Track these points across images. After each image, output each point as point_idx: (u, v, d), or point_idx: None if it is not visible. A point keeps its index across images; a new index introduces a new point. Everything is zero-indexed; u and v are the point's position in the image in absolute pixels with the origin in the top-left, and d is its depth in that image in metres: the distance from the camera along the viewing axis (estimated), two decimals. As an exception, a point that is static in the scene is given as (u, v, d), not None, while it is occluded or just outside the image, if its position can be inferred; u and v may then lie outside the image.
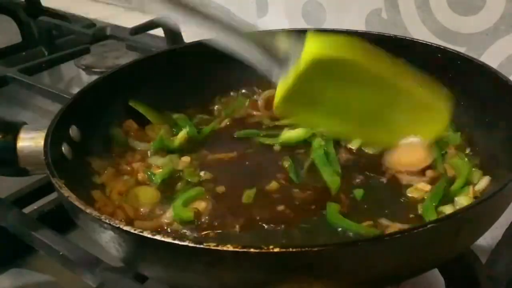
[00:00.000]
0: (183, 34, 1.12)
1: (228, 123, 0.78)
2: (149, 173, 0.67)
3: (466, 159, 0.64)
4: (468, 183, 0.61)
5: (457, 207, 0.58)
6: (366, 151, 0.68)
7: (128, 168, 0.68)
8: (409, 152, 0.63)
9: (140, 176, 0.67)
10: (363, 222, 0.56)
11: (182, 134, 0.74)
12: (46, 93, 0.95)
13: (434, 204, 0.58)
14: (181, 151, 0.71)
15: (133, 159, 0.70)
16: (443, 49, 0.73)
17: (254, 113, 0.80)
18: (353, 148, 0.69)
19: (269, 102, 0.81)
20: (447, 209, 0.58)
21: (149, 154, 0.71)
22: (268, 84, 0.84)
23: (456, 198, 0.59)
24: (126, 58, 1.09)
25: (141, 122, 0.76)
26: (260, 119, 0.78)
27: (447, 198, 0.59)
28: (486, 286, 0.51)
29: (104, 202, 0.61)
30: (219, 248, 0.41)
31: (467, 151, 0.67)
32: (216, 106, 0.82)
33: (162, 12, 0.56)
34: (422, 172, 0.63)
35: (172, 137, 0.74)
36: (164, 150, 0.71)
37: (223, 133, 0.76)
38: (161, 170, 0.67)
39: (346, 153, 0.68)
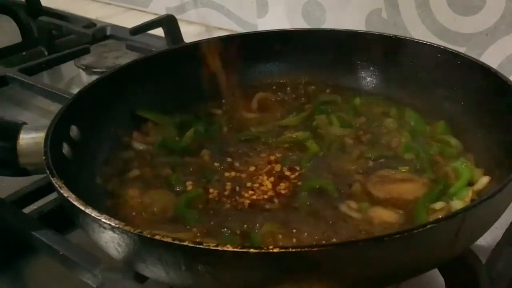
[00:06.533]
0: (183, 34, 1.12)
1: (226, 125, 0.78)
2: (167, 178, 0.66)
3: (467, 163, 0.64)
4: (468, 184, 0.61)
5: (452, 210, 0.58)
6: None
7: (136, 174, 0.68)
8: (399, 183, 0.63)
9: (149, 181, 0.66)
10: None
11: (190, 134, 0.74)
12: (46, 93, 0.95)
13: (426, 204, 0.58)
14: (184, 151, 0.71)
15: (139, 164, 0.69)
16: (443, 49, 0.73)
17: (249, 114, 0.80)
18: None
19: (261, 104, 0.81)
20: (439, 206, 0.58)
21: (151, 155, 0.71)
22: (262, 85, 0.85)
23: (451, 202, 0.59)
24: (126, 58, 1.09)
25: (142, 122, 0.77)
26: (255, 120, 0.78)
27: (442, 199, 0.60)
28: (486, 286, 0.51)
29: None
30: (219, 248, 0.41)
31: (467, 151, 0.67)
32: (216, 107, 0.82)
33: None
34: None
35: (174, 138, 0.75)
36: (168, 150, 0.72)
37: (222, 135, 0.76)
38: (172, 172, 0.67)
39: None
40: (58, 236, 0.61)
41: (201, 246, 0.41)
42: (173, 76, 0.81)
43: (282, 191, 0.62)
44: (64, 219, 0.55)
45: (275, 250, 0.40)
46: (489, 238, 0.62)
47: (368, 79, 0.83)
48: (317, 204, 0.60)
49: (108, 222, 0.45)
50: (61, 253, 0.59)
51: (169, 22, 1.11)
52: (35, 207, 0.70)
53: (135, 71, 0.78)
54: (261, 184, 0.64)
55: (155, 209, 0.61)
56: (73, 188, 0.50)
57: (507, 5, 0.88)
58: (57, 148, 0.60)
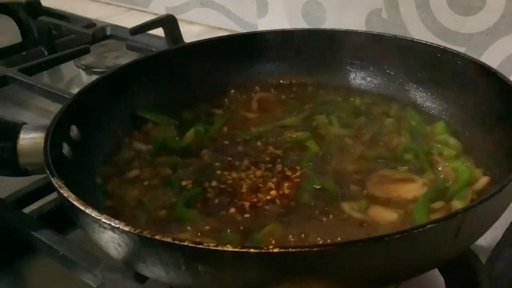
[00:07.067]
0: (183, 34, 1.12)
1: (226, 125, 0.78)
2: (167, 178, 0.66)
3: (466, 163, 0.64)
4: (468, 184, 0.61)
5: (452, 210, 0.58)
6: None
7: (136, 174, 0.68)
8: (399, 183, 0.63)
9: (149, 181, 0.66)
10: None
11: (190, 134, 0.74)
12: (46, 93, 0.95)
13: (426, 204, 0.58)
14: (184, 151, 0.71)
15: (139, 164, 0.69)
16: (443, 49, 0.73)
17: (249, 114, 0.80)
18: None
19: (261, 103, 0.81)
20: (438, 205, 0.58)
21: (151, 155, 0.71)
22: (262, 85, 0.85)
23: (451, 202, 0.59)
24: (126, 58, 1.09)
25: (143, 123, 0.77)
26: (255, 120, 0.78)
27: (442, 199, 0.60)
28: (486, 286, 0.51)
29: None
30: (219, 248, 0.41)
31: (466, 151, 0.67)
32: (216, 107, 0.82)
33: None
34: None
35: (174, 138, 0.75)
36: (168, 150, 0.72)
37: (222, 135, 0.76)
38: (172, 172, 0.67)
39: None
40: (58, 236, 0.61)
41: (201, 246, 0.41)
42: (173, 76, 0.81)
43: (283, 191, 0.62)
44: (64, 219, 0.55)
45: (275, 250, 0.40)
46: (489, 238, 0.62)
47: (368, 79, 0.83)
48: (317, 204, 0.60)
49: (108, 222, 0.45)
50: (61, 253, 0.59)
51: (169, 22, 1.11)
52: (35, 207, 0.70)
53: (135, 71, 0.78)
54: (261, 184, 0.64)
55: (155, 209, 0.61)
56: (73, 188, 0.50)
57: (507, 5, 0.88)
58: (57, 148, 0.60)
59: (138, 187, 0.65)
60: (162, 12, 1.41)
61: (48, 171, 0.53)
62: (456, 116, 0.72)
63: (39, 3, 1.39)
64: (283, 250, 0.40)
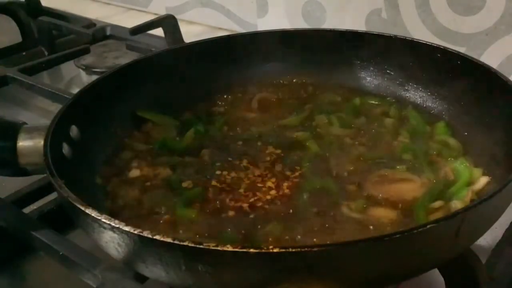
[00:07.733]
0: (183, 34, 1.12)
1: (226, 125, 0.78)
2: (167, 178, 0.66)
3: (466, 163, 0.64)
4: (467, 184, 0.61)
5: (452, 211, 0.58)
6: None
7: (136, 174, 0.68)
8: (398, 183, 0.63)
9: (149, 181, 0.66)
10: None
11: (190, 134, 0.74)
12: (46, 93, 0.95)
13: (426, 204, 0.59)
14: (184, 151, 0.71)
15: (139, 164, 0.69)
16: (443, 49, 0.73)
17: (249, 114, 0.80)
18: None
19: (261, 103, 0.81)
20: (438, 204, 0.59)
21: (151, 155, 0.71)
22: (262, 85, 0.85)
23: (451, 202, 0.59)
24: (126, 58, 1.09)
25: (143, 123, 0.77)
26: (255, 120, 0.79)
27: (442, 199, 0.60)
28: (486, 286, 0.51)
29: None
30: (219, 248, 0.41)
31: (466, 151, 0.67)
32: (216, 107, 0.82)
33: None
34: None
35: (174, 138, 0.75)
36: (168, 150, 0.72)
37: (222, 134, 0.76)
38: (172, 172, 0.67)
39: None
40: (58, 236, 0.61)
41: (201, 246, 0.41)
42: (173, 76, 0.81)
43: (283, 191, 0.62)
44: (64, 219, 0.55)
45: (275, 250, 0.40)
46: (489, 238, 0.62)
47: (368, 79, 0.83)
48: (317, 204, 0.60)
49: (108, 222, 0.45)
50: (61, 253, 0.59)
51: (169, 22, 1.11)
52: (35, 207, 0.70)
53: (135, 71, 0.78)
54: (261, 184, 0.64)
55: (155, 209, 0.61)
56: (73, 188, 0.50)
57: (507, 5, 0.88)
58: (57, 148, 0.60)
59: (138, 187, 0.65)
60: (162, 12, 1.41)
61: (48, 171, 0.53)
62: (456, 116, 0.72)
63: (39, 3, 1.39)
64: (283, 250, 0.40)
